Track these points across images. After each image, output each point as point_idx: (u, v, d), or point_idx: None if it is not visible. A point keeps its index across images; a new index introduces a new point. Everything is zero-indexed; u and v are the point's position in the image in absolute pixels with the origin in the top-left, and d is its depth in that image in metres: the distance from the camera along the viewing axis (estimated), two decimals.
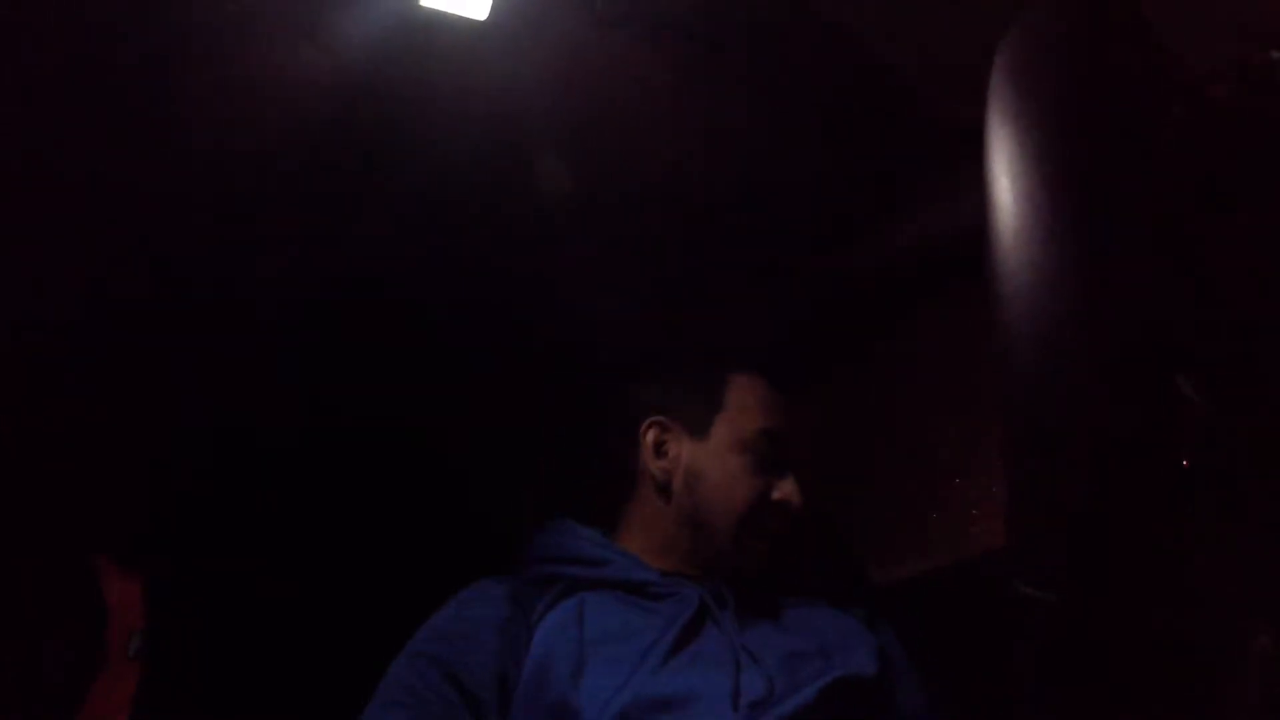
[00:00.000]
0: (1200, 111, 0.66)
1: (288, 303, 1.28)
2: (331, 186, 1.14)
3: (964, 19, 0.96)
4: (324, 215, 1.18)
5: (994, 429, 1.20)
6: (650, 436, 1.06)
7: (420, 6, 0.91)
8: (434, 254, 1.27)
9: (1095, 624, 0.55)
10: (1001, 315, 0.56)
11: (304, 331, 1.32)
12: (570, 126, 1.10)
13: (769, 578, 1.09)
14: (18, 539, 1.16)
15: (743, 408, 1.05)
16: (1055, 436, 0.56)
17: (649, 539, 1.04)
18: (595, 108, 1.08)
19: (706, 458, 1.04)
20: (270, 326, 1.30)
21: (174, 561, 1.27)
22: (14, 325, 1.14)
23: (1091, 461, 0.55)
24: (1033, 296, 0.55)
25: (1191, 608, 0.54)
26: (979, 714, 1.00)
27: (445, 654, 0.91)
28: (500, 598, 0.97)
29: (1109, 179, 0.56)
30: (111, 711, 1.13)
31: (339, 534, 1.39)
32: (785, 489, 1.02)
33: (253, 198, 1.13)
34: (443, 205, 1.19)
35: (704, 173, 1.20)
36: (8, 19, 0.89)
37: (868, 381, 1.43)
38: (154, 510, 1.31)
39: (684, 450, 1.05)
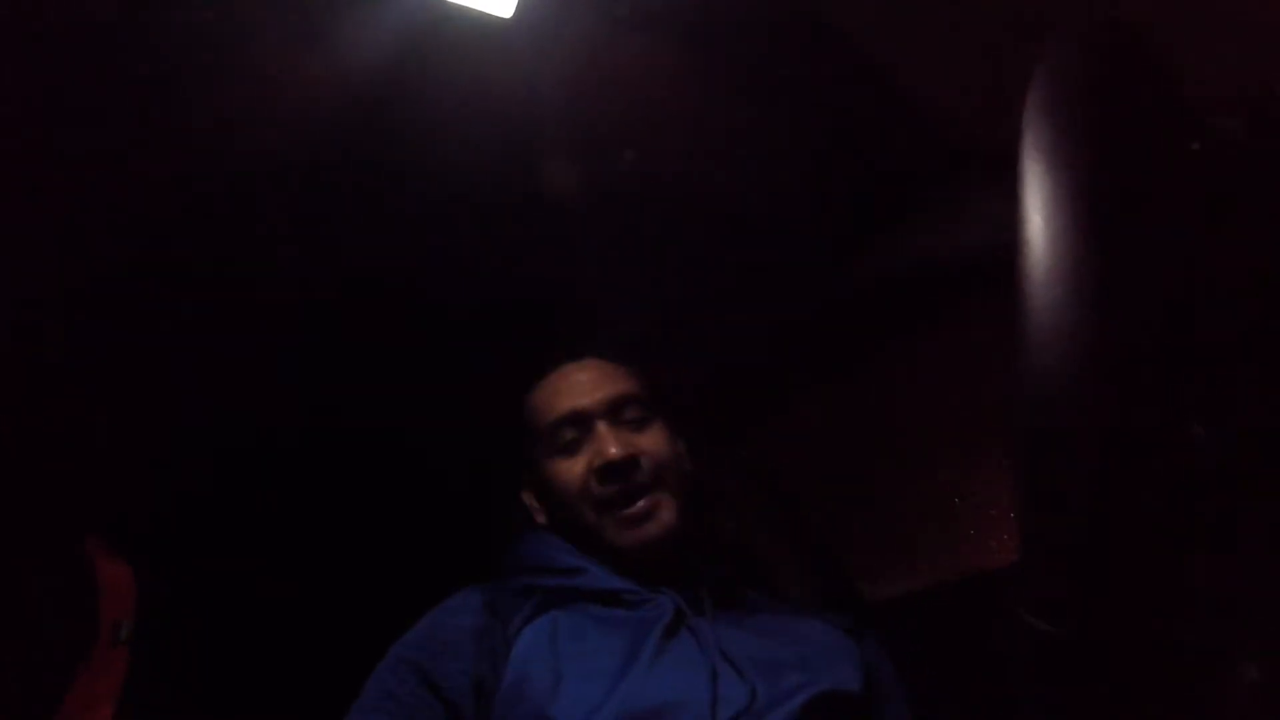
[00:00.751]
0: (1214, 146, 0.68)
1: (293, 302, 1.27)
2: (348, 183, 1.14)
3: (974, 30, 0.97)
4: (337, 213, 1.17)
5: (992, 449, 1.21)
6: (528, 495, 1.10)
7: (446, 2, 0.91)
8: (445, 254, 1.27)
9: (1099, 638, 0.56)
10: (1024, 344, 0.57)
11: (306, 331, 1.32)
12: (588, 126, 1.10)
13: (746, 583, 1.10)
14: (10, 525, 1.15)
15: (532, 424, 1.07)
16: (1072, 466, 0.57)
17: (595, 555, 1.04)
18: (613, 108, 1.08)
19: (542, 482, 1.06)
20: (273, 326, 1.29)
21: (167, 554, 1.26)
22: (15, 322, 1.13)
23: (1106, 491, 0.56)
24: (1056, 324, 0.56)
25: (1193, 623, 0.55)
26: None
27: (424, 661, 0.92)
28: (479, 607, 0.98)
29: (1133, 213, 0.58)
30: (99, 697, 1.12)
31: (333, 532, 1.39)
32: (594, 450, 1.00)
33: (268, 196, 1.12)
34: (457, 204, 1.19)
35: (719, 175, 1.20)
36: (13, 21, 0.88)
37: (864, 399, 1.44)
38: (149, 502, 1.30)
39: (540, 489, 1.08)
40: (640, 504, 0.99)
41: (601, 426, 1.02)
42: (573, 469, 1.01)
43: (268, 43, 0.93)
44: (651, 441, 1.02)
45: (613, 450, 0.99)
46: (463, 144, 1.07)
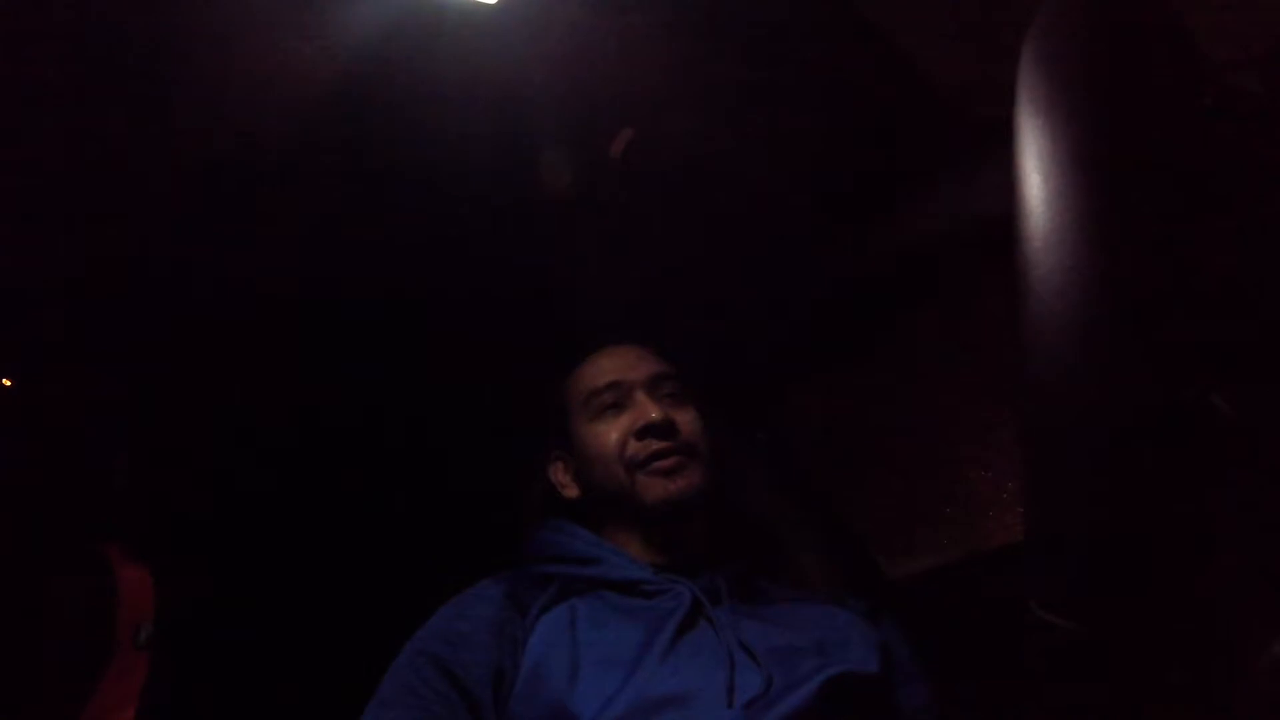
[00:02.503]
0: (1229, 101, 0.65)
1: (292, 300, 1.27)
2: (335, 174, 1.13)
3: (980, 8, 0.95)
4: (328, 205, 1.17)
5: (1009, 422, 1.19)
6: (555, 472, 1.13)
7: None
8: (439, 245, 1.26)
9: (1112, 631, 0.54)
10: (1027, 310, 0.55)
11: (308, 329, 1.32)
12: (578, 111, 1.09)
13: (763, 571, 1.10)
14: (29, 529, 1.17)
15: (575, 396, 1.11)
16: (1079, 435, 0.54)
17: (617, 538, 1.06)
18: (604, 92, 1.07)
19: (579, 449, 1.09)
20: (274, 324, 1.29)
21: (185, 558, 1.27)
22: (18, 319, 1.14)
23: (1114, 470, 0.54)
24: (1061, 291, 0.54)
25: (1211, 611, 0.53)
26: (988, 711, 0.99)
27: (444, 653, 0.92)
28: (497, 598, 0.98)
29: (1140, 172, 0.55)
30: (120, 702, 1.13)
31: (343, 530, 1.39)
32: (636, 414, 1.05)
33: (256, 188, 1.12)
34: (447, 194, 1.18)
35: (717, 155, 1.18)
36: (9, 16, 0.88)
37: (881, 374, 1.42)
38: (166, 504, 1.31)
39: (572, 460, 1.11)
40: (673, 459, 1.03)
41: (641, 395, 1.07)
42: (610, 432, 1.06)
43: (252, 33, 0.93)
44: (686, 416, 1.07)
45: (653, 414, 1.04)
46: (451, 132, 1.06)
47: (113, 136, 1.05)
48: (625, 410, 1.07)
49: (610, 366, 1.11)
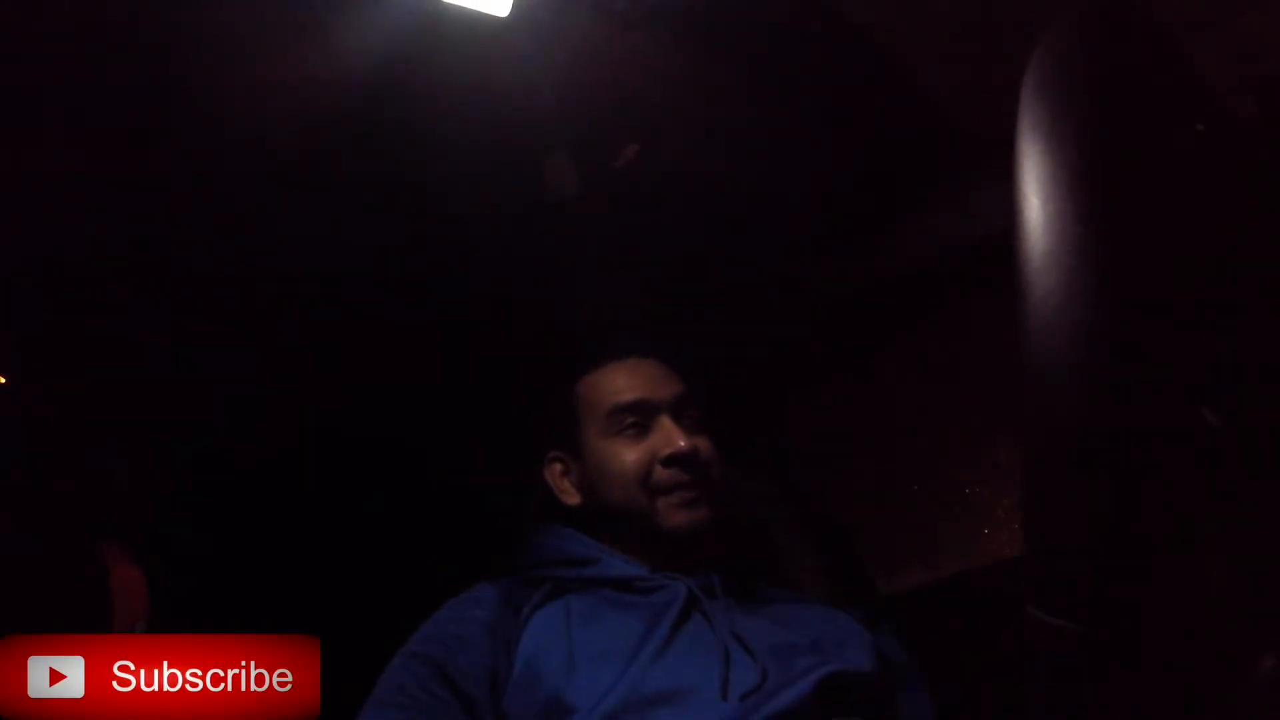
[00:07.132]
0: (1223, 127, 0.66)
1: (297, 303, 1.28)
2: (343, 182, 1.14)
3: (982, 25, 0.96)
4: (339, 213, 1.18)
5: (1006, 438, 1.20)
6: (552, 474, 1.12)
7: (442, 2, 0.91)
8: (446, 252, 1.27)
9: (1110, 642, 0.55)
10: (1027, 327, 0.56)
11: (313, 332, 1.33)
12: (586, 125, 1.10)
13: (760, 577, 1.11)
14: (25, 526, 1.17)
15: (593, 406, 1.09)
16: (1079, 454, 0.55)
17: (614, 544, 1.06)
18: (611, 106, 1.08)
19: (592, 462, 1.07)
20: (279, 327, 1.30)
21: (181, 555, 1.27)
22: (19, 318, 1.15)
23: (1114, 479, 0.55)
24: (1059, 309, 0.55)
25: (1209, 616, 0.54)
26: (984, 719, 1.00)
27: (439, 655, 0.93)
28: (492, 600, 0.99)
29: (1138, 196, 0.56)
30: None
31: (342, 531, 1.40)
32: (665, 440, 1.04)
33: (267, 196, 1.13)
34: (454, 203, 1.19)
35: (722, 170, 1.19)
36: (19, 20, 0.89)
37: (879, 388, 1.43)
38: (165, 503, 1.32)
39: (578, 468, 1.09)
40: (696, 491, 1.03)
41: (666, 420, 1.06)
42: (633, 454, 1.04)
43: (262, 43, 0.93)
44: (706, 443, 1.07)
45: (682, 443, 1.03)
46: (460, 144, 1.07)
47: (116, 139, 1.05)
48: (649, 433, 1.06)
49: (634, 383, 1.09)
